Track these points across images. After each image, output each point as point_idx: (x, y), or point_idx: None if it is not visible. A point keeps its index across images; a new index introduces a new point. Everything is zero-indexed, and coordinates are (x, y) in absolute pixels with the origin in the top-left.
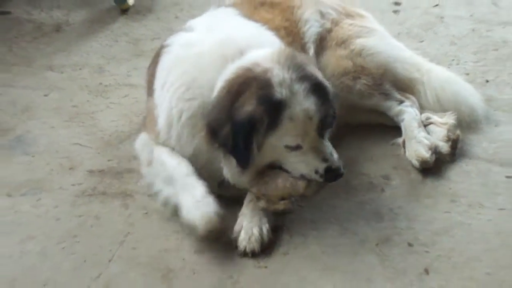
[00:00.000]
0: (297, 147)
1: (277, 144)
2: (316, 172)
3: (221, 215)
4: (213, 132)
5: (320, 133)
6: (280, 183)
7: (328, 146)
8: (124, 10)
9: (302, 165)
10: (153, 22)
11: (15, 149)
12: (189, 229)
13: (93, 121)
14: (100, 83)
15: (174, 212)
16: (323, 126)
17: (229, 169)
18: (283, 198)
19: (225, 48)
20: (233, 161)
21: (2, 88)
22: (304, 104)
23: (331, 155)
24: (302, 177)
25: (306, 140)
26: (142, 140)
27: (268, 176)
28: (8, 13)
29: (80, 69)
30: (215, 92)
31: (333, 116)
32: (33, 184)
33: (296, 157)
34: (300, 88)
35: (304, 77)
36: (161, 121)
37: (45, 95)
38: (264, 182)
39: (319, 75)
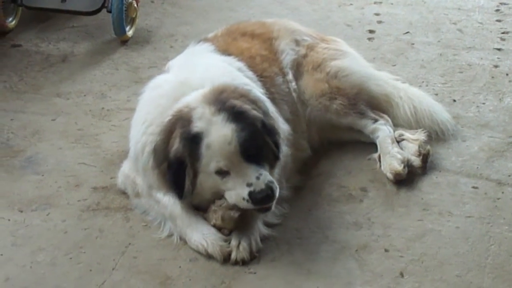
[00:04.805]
0: (225, 173)
1: (207, 172)
2: (244, 199)
3: (226, 239)
4: (156, 167)
5: (247, 158)
6: (210, 218)
7: (255, 170)
8: (124, 41)
9: (232, 193)
10: (150, 52)
11: (26, 169)
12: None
13: (97, 142)
14: (103, 108)
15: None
16: (246, 150)
17: None
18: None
19: (180, 92)
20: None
21: (14, 114)
22: (221, 131)
23: (257, 178)
24: (235, 206)
25: (230, 166)
26: (122, 173)
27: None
28: (19, 46)
29: (84, 95)
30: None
31: (275, 144)
32: (43, 200)
33: (226, 184)
34: (219, 119)
35: (223, 108)
36: (131, 152)
37: (53, 120)
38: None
39: (244, 106)
